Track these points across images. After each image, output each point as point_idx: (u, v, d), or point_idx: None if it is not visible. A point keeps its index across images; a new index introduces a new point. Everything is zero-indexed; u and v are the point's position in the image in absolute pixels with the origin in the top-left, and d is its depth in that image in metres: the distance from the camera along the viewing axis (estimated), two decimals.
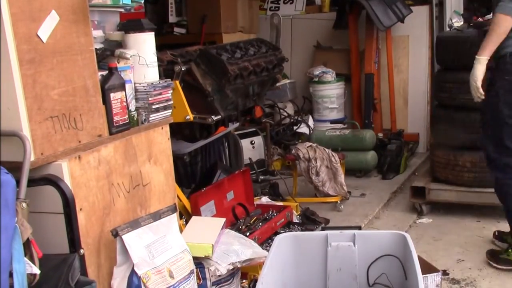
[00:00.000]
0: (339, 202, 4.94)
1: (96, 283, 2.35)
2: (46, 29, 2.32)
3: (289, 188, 5.09)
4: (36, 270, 2.04)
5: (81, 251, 2.33)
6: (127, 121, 2.76)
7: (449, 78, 4.62)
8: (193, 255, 2.84)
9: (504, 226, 3.95)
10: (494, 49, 3.38)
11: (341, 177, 4.96)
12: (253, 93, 4.33)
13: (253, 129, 5.62)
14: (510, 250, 3.66)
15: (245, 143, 5.37)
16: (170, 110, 3.08)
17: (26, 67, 2.23)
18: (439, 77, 4.92)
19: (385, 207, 5.05)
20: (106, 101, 2.64)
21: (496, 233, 4.02)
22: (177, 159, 3.97)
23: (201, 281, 2.95)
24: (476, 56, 3.44)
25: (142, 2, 3.04)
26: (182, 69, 3.61)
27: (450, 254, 3.98)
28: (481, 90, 3.47)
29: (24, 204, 2.07)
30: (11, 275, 1.91)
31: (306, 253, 2.73)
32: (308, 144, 5.13)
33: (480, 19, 4.60)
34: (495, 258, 3.71)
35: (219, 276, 2.97)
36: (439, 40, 5.02)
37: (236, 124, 4.80)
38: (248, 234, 3.62)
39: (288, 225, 4.05)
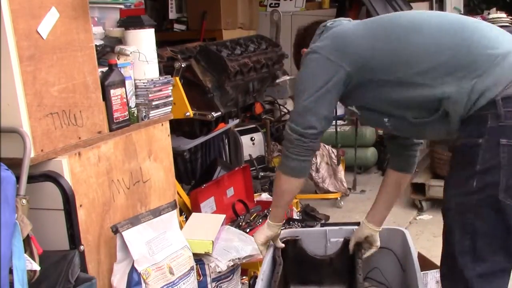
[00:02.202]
0: (339, 198, 4.95)
1: (96, 279, 2.35)
2: (46, 26, 2.32)
3: None
4: (36, 267, 2.04)
5: (81, 247, 2.33)
6: (127, 118, 2.76)
7: None
8: (193, 251, 2.84)
9: None
10: (282, 212, 2.59)
11: (341, 173, 4.97)
12: (253, 90, 4.33)
13: (253, 126, 5.62)
14: None
15: (245, 139, 5.37)
16: (170, 107, 3.08)
17: (26, 63, 2.22)
18: None
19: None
20: (106, 97, 2.64)
21: None
22: (177, 155, 3.98)
23: (201, 278, 2.95)
24: (267, 220, 2.61)
25: None
26: (182, 65, 3.61)
27: None
28: (262, 252, 2.65)
29: (24, 201, 2.07)
30: (11, 271, 1.92)
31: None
32: None
33: (478, 17, 4.59)
34: None
35: (219, 272, 2.97)
36: None
37: (236, 121, 4.80)
38: (248, 230, 3.62)
39: (288, 222, 4.05)
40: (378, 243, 2.71)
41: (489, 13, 5.69)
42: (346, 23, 2.38)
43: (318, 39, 2.37)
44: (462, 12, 6.17)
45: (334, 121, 6.47)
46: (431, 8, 6.55)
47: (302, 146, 2.28)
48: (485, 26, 2.14)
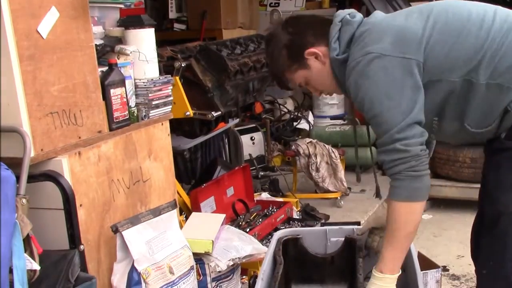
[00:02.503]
0: (339, 198, 4.95)
1: (96, 279, 2.35)
2: (46, 25, 2.32)
3: (289, 184, 5.09)
4: (36, 266, 2.04)
5: (81, 247, 2.33)
6: (127, 117, 2.76)
7: None
8: (193, 251, 2.84)
9: None
10: (403, 258, 2.11)
11: (341, 173, 4.97)
12: (253, 89, 4.33)
13: (253, 125, 5.62)
14: None
15: (245, 139, 5.37)
16: (170, 106, 3.08)
17: (26, 63, 2.22)
18: None
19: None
20: (106, 97, 2.64)
21: None
22: (177, 155, 3.97)
23: (201, 277, 2.95)
24: (376, 273, 2.13)
25: None
26: (182, 65, 3.61)
27: (450, 250, 3.98)
28: None
29: (24, 200, 2.07)
30: (11, 271, 1.92)
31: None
32: (308, 140, 5.13)
33: None
34: None
35: (219, 272, 2.97)
36: None
37: (236, 120, 4.80)
38: (248, 230, 3.62)
39: (288, 221, 4.06)
40: None
41: None
42: (381, 15, 2.13)
43: (345, 41, 2.07)
44: None
45: (333, 121, 6.49)
46: None
47: (426, 156, 1.96)
48: None
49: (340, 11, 2.19)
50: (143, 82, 2.89)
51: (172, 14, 6.41)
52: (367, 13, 6.07)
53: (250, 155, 5.37)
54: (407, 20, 2.02)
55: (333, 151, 4.97)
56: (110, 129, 2.67)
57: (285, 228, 3.67)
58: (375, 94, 1.95)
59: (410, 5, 6.11)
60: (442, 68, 1.96)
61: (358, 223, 4.26)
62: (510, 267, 1.96)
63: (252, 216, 3.96)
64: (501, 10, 2.04)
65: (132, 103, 2.83)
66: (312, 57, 2.14)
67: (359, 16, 2.14)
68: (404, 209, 1.99)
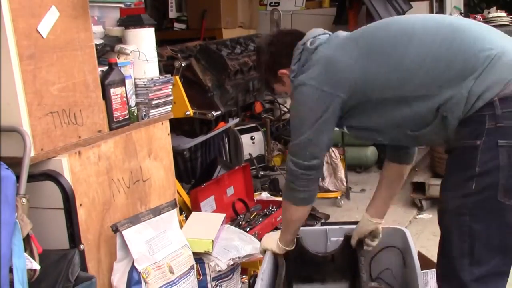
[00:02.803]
0: (339, 197, 4.95)
1: (96, 278, 2.35)
2: (46, 25, 2.32)
3: None
4: (36, 266, 2.04)
5: (81, 246, 2.33)
6: (127, 117, 2.76)
7: None
8: (193, 250, 2.84)
9: None
10: (292, 238, 2.59)
11: (341, 172, 4.96)
12: (253, 89, 4.33)
13: (253, 125, 5.63)
14: None
15: (245, 138, 5.37)
16: (170, 106, 3.08)
17: (26, 62, 2.22)
18: None
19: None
20: (106, 96, 2.64)
21: None
22: (177, 154, 3.97)
23: (201, 277, 2.96)
24: (278, 242, 2.61)
25: None
26: (182, 64, 3.61)
27: None
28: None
29: (24, 200, 2.07)
30: (11, 270, 1.92)
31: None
32: None
33: (478, 17, 4.59)
34: None
35: (219, 271, 2.97)
36: None
37: (236, 120, 4.81)
38: (248, 229, 3.62)
39: None
40: (381, 234, 2.69)
41: (489, 12, 5.69)
42: (327, 41, 2.30)
43: (301, 65, 2.30)
44: (462, 11, 6.17)
45: None
46: (431, 7, 6.55)
47: (309, 179, 2.28)
48: (474, 25, 2.10)
49: (314, 30, 2.37)
50: (143, 82, 2.89)
51: (172, 14, 6.42)
52: (367, 13, 6.08)
53: (250, 154, 5.37)
54: (346, 53, 2.18)
55: (333, 151, 4.97)
56: (110, 129, 2.67)
57: None
58: (294, 113, 2.31)
59: (410, 5, 6.15)
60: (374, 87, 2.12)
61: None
62: (458, 264, 2.00)
63: (252, 216, 3.96)
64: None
65: (132, 102, 2.83)
66: (285, 76, 2.38)
67: (318, 42, 2.29)
68: (284, 205, 2.45)
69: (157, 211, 2.73)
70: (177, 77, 3.53)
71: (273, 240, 2.61)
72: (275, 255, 2.60)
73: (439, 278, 2.15)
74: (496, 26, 3.69)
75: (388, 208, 2.70)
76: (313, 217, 4.29)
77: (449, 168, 2.09)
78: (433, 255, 3.44)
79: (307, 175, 2.26)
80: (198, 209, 3.70)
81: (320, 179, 4.91)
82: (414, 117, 2.07)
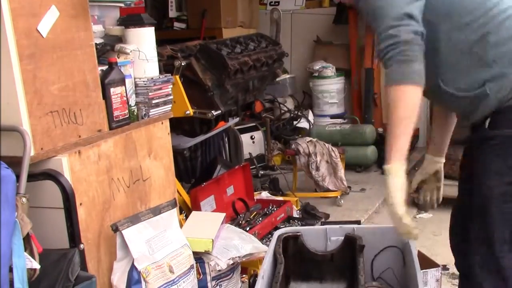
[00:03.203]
0: (339, 197, 4.95)
1: (96, 278, 2.35)
2: (46, 24, 2.32)
3: (289, 183, 5.09)
4: (36, 265, 2.04)
5: (81, 246, 2.33)
6: (127, 116, 2.76)
7: None
8: (193, 250, 2.84)
9: None
10: (407, 142, 2.01)
11: (341, 172, 4.97)
12: (253, 88, 4.33)
13: (253, 124, 5.63)
14: None
15: (245, 138, 5.38)
16: (170, 105, 3.08)
17: (26, 62, 2.22)
18: None
19: (385, 202, 5.04)
20: (106, 96, 2.64)
21: None
22: (177, 154, 3.97)
23: (201, 276, 2.95)
24: (385, 167, 2.04)
25: None
26: (182, 64, 3.60)
27: (450, 249, 3.97)
28: (406, 220, 2.03)
29: (24, 199, 2.07)
30: (11, 270, 1.92)
31: None
32: (308, 139, 5.13)
33: None
34: None
35: (219, 271, 2.97)
36: None
37: (236, 119, 4.80)
38: (248, 229, 3.62)
39: (288, 220, 4.06)
40: (443, 178, 2.65)
41: None
42: None
43: None
44: None
45: (333, 119, 6.50)
46: None
47: (418, 44, 1.97)
48: None
49: None
50: (143, 81, 2.89)
51: (172, 13, 6.42)
52: None
53: (250, 154, 5.38)
54: None
55: (333, 150, 4.97)
56: (110, 128, 2.67)
57: (285, 227, 3.68)
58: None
59: None
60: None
61: (358, 222, 4.26)
62: (498, 251, 2.02)
63: (252, 215, 3.96)
64: None
65: (132, 102, 2.83)
66: None
67: None
68: (396, 92, 1.98)
69: (157, 211, 2.73)
70: (177, 77, 3.52)
71: (390, 187, 2.05)
72: (274, 255, 2.59)
73: (477, 265, 2.12)
74: None
75: (447, 144, 2.59)
76: (313, 217, 4.29)
77: (486, 156, 2.05)
78: (432, 255, 3.45)
79: (418, 40, 1.96)
80: (198, 208, 3.70)
81: (321, 178, 4.94)
82: (460, 69, 2.04)
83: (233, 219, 3.88)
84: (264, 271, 2.45)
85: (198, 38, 5.62)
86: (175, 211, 2.84)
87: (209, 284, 2.97)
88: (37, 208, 2.30)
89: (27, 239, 2.04)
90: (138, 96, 2.88)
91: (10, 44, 2.17)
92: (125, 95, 2.74)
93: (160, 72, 3.06)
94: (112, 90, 2.66)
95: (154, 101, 2.92)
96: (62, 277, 2.17)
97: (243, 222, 3.83)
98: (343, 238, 2.73)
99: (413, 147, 6.41)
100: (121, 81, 2.71)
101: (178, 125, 3.89)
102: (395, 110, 1.98)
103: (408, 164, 2.07)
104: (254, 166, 5.23)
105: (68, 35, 2.43)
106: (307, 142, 5.03)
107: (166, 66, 3.49)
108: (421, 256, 2.89)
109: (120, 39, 2.90)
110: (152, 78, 2.92)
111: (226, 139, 5.01)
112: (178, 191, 3.39)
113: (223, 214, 3.32)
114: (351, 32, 6.53)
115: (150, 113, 2.91)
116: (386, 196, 2.10)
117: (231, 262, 2.98)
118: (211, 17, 6.13)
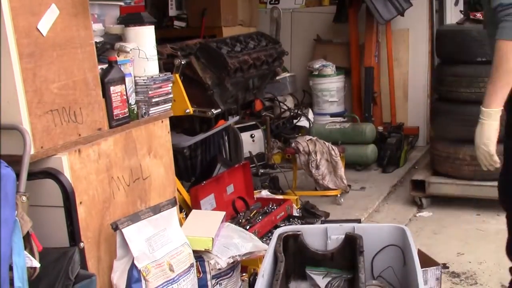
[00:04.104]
0: (339, 195, 4.95)
1: (96, 276, 2.36)
2: (46, 23, 2.32)
3: (289, 181, 5.09)
4: (36, 264, 2.05)
5: (81, 244, 2.33)
6: (127, 115, 2.76)
7: (449, 71, 4.62)
8: (193, 248, 2.84)
9: (503, 220, 3.93)
10: (508, 92, 2.38)
11: (341, 170, 4.97)
12: (253, 87, 4.33)
13: (253, 123, 5.63)
14: None
15: (245, 136, 5.38)
16: (170, 104, 3.08)
17: (26, 60, 2.22)
18: (439, 71, 4.92)
19: (385, 200, 5.06)
20: (106, 94, 2.64)
21: None
22: (177, 152, 3.97)
23: (201, 275, 2.96)
24: (483, 108, 2.45)
25: None
26: (182, 62, 3.61)
27: (450, 247, 3.98)
28: (495, 157, 2.49)
29: (24, 198, 2.07)
30: (11, 268, 1.92)
31: None
32: (308, 137, 5.13)
33: (478, 15, 4.58)
34: None
35: (219, 269, 2.97)
36: (439, 33, 5.02)
37: (236, 118, 4.80)
38: (248, 227, 3.62)
39: (288, 219, 4.05)
40: None
41: None
42: None
43: None
44: (462, 9, 6.15)
45: (333, 118, 6.50)
46: (430, 5, 6.55)
47: None
48: None
49: None
50: (143, 80, 2.89)
51: (172, 12, 6.41)
52: (367, 11, 6.08)
53: (250, 152, 5.37)
54: None
55: (333, 149, 4.97)
56: (110, 127, 2.67)
57: (285, 225, 3.68)
58: None
59: (410, 3, 6.14)
60: None
61: (359, 221, 4.27)
62: None
63: (252, 214, 3.96)
64: None
65: (132, 100, 2.83)
66: None
67: None
68: (506, 46, 2.29)
69: (157, 209, 2.73)
70: (177, 75, 3.53)
71: (484, 131, 2.47)
72: (275, 254, 2.59)
73: None
74: None
75: None
76: (313, 215, 4.29)
77: None
78: (432, 253, 3.46)
79: None
80: (198, 207, 3.70)
81: (321, 176, 4.94)
82: None
83: (233, 217, 3.88)
84: (264, 269, 2.45)
85: (198, 37, 5.62)
86: (175, 210, 2.84)
87: (209, 283, 2.97)
88: (37, 207, 2.30)
89: (27, 238, 2.04)
90: (138, 95, 2.88)
91: (10, 43, 2.17)
92: (125, 93, 2.74)
93: (160, 71, 3.06)
94: (112, 88, 2.66)
95: (154, 100, 2.92)
96: (62, 275, 2.17)
97: (243, 220, 3.83)
98: (343, 237, 2.73)
99: (413, 146, 6.42)
100: (121, 80, 2.71)
101: (178, 124, 3.90)
102: (505, 62, 2.31)
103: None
104: (254, 165, 5.22)
105: (68, 33, 2.43)
106: (307, 140, 5.02)
107: (166, 64, 3.49)
108: (421, 254, 2.90)
109: (120, 37, 2.90)
110: (152, 77, 2.92)
111: (226, 137, 5.00)
112: (178, 190, 3.39)
113: (223, 213, 3.31)
114: (351, 31, 6.52)
115: (150, 112, 2.91)
116: (478, 135, 2.49)
117: (231, 260, 2.98)
118: (211, 16, 6.12)
